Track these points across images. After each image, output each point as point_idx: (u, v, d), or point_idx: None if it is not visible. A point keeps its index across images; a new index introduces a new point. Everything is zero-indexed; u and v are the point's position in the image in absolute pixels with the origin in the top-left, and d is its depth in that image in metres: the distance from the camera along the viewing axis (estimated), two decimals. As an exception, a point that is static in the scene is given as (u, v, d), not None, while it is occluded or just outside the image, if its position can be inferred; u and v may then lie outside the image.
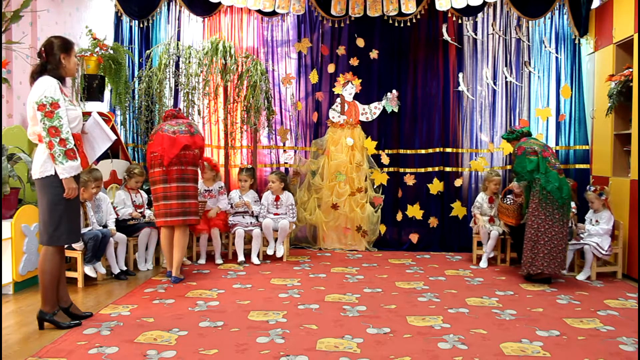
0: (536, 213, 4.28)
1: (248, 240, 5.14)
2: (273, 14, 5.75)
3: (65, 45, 3.16)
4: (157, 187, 4.22)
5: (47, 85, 3.00)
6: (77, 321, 3.21)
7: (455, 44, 5.75)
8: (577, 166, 5.56)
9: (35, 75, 3.10)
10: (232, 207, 5.18)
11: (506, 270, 4.82)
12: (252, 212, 5.20)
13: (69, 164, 2.98)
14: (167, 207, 4.20)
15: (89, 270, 4.15)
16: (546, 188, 4.23)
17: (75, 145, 3.03)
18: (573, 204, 4.90)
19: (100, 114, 4.63)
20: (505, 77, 5.72)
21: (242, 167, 5.54)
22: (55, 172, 3.01)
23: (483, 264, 4.97)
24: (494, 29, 5.72)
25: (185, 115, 4.78)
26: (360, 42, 5.83)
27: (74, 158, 3.00)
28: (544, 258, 4.23)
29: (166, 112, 4.53)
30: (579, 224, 4.75)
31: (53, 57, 3.10)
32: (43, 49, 3.12)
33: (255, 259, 4.99)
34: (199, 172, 4.46)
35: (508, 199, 4.80)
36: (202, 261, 4.98)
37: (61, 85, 3.10)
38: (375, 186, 5.84)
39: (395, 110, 5.83)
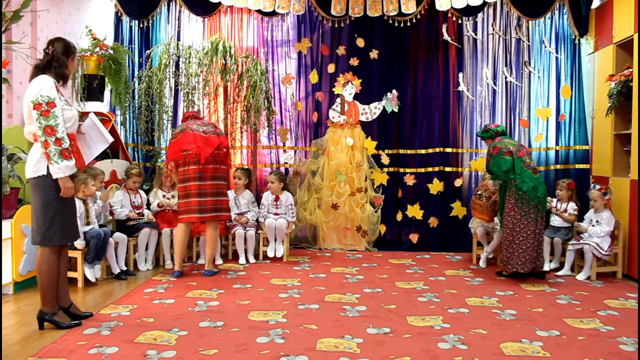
0: (512, 213, 4.36)
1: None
2: (273, 14, 5.75)
3: (73, 49, 3.21)
4: (191, 184, 4.35)
5: (44, 84, 2.99)
6: (77, 321, 3.21)
7: (455, 44, 5.75)
8: (577, 166, 5.55)
9: (39, 70, 3.08)
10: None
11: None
12: (247, 222, 5.14)
13: (64, 163, 2.97)
14: (201, 204, 4.35)
15: (89, 274, 4.14)
16: (522, 188, 4.30)
17: (69, 145, 3.02)
18: (574, 205, 4.90)
19: (100, 114, 4.64)
20: (505, 77, 5.71)
21: (239, 167, 5.56)
22: (48, 172, 3.00)
23: (482, 263, 4.98)
24: (494, 29, 5.72)
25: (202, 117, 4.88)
26: (360, 42, 5.82)
27: (69, 158, 2.99)
28: (519, 257, 4.33)
29: (185, 113, 4.70)
30: (580, 225, 4.68)
31: (61, 57, 3.11)
32: (51, 47, 3.11)
33: (251, 258, 5.07)
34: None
35: (480, 196, 4.85)
36: (202, 261, 4.98)
37: (57, 85, 3.09)
38: (375, 186, 5.84)
39: (395, 110, 5.82)
